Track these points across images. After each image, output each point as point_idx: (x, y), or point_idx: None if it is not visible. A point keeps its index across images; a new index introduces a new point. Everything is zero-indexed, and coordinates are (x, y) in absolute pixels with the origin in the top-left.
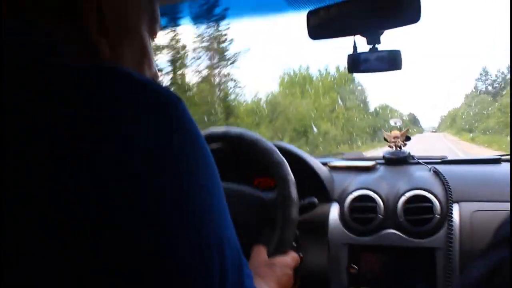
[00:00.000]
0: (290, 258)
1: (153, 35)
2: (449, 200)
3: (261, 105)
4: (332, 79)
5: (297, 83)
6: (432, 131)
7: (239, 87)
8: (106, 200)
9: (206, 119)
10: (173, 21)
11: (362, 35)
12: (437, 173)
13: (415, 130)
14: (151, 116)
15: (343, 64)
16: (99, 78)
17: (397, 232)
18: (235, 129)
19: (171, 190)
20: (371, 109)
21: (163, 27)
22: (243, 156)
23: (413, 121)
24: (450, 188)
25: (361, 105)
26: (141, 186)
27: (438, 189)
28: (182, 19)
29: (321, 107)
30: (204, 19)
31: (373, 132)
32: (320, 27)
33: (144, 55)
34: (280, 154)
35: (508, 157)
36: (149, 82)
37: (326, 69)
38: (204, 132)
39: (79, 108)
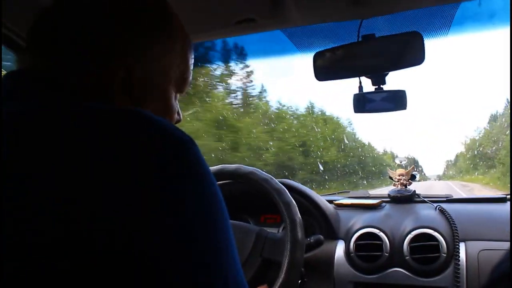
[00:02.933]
0: None
1: (180, 92)
2: (455, 238)
3: None
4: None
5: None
6: (436, 179)
7: None
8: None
9: None
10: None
11: (367, 76)
12: (442, 211)
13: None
14: (162, 157)
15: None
16: (113, 119)
17: (404, 271)
18: (246, 168)
19: (178, 230)
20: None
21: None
22: (252, 193)
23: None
24: (456, 227)
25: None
26: (147, 223)
27: (444, 227)
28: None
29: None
30: (222, 61)
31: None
32: (326, 69)
33: (166, 112)
34: (289, 195)
35: None
36: (163, 123)
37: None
38: (215, 168)
39: (94, 147)
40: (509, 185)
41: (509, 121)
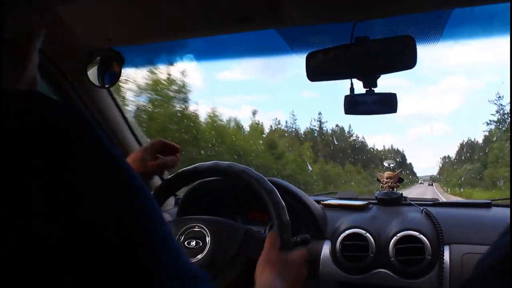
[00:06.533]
0: (298, 254)
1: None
2: (440, 241)
3: None
4: None
5: None
6: (429, 183)
7: None
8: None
9: None
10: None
11: (359, 78)
12: (428, 214)
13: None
14: (63, 139)
15: None
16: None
17: (388, 272)
18: (238, 166)
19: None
20: None
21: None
22: (241, 190)
23: (401, 164)
24: (441, 230)
25: None
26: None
27: (430, 230)
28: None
29: None
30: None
31: None
32: (319, 69)
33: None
34: (279, 196)
35: (499, 202)
36: (60, 103)
37: None
38: (208, 164)
39: None
40: None
41: None
